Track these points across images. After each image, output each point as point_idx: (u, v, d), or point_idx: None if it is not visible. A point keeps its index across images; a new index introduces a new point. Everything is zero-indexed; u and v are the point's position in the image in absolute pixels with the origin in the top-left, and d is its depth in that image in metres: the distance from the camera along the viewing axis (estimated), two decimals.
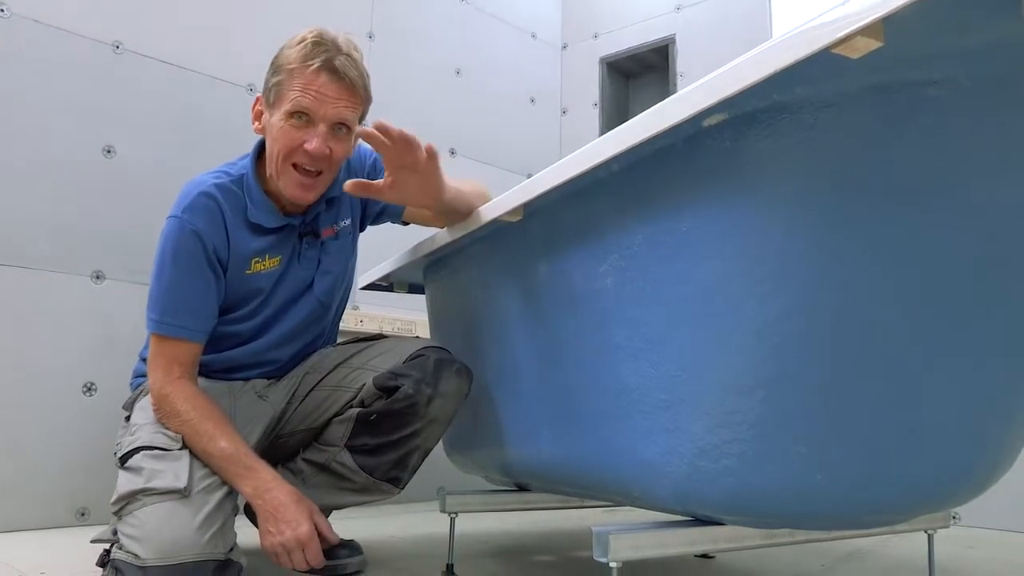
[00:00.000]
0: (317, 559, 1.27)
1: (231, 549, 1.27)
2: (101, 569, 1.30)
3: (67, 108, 2.05)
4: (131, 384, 1.53)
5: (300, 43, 1.36)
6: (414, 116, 2.85)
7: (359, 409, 1.41)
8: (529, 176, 1.21)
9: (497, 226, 1.32)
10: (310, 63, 1.34)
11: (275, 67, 1.39)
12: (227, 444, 1.29)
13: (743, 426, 0.94)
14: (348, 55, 1.37)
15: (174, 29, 2.28)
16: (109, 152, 2.12)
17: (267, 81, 1.40)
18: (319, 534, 1.29)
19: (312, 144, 1.35)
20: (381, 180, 1.34)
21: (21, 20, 2.00)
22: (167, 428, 1.33)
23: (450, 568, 1.50)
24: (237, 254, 1.41)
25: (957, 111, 0.86)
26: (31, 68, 2.01)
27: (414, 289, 1.95)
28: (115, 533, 1.27)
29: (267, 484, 1.28)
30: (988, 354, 0.96)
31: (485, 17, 3.24)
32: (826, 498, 0.96)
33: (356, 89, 1.38)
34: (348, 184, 1.34)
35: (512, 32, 3.36)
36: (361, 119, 1.46)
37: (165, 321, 1.34)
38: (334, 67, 1.35)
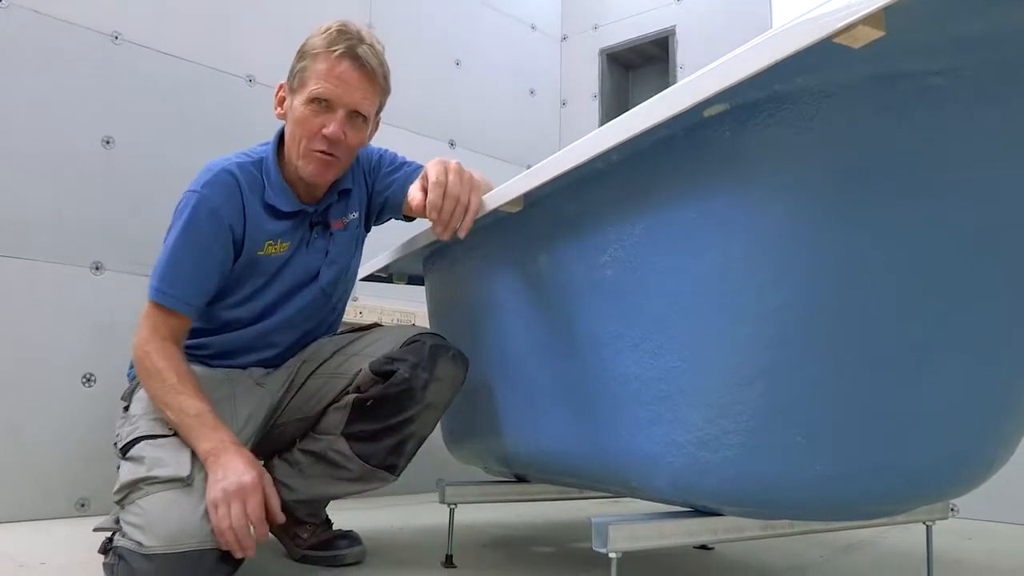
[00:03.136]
0: (257, 513, 1.19)
1: None
2: (103, 556, 1.31)
3: (66, 99, 2.05)
4: (128, 375, 1.53)
5: (325, 31, 1.41)
6: (413, 107, 2.85)
7: (355, 395, 1.41)
8: (528, 168, 1.20)
9: (497, 217, 1.32)
10: (334, 49, 1.38)
11: (300, 53, 1.43)
12: (201, 404, 1.28)
13: (743, 417, 0.94)
14: (371, 45, 1.43)
15: (173, 20, 2.27)
16: (108, 143, 2.11)
17: (292, 67, 1.45)
18: (267, 509, 1.22)
19: (330, 129, 1.39)
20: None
21: (20, 10, 1.99)
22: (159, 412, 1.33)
23: (449, 559, 1.50)
24: (253, 232, 1.43)
25: (959, 100, 0.86)
26: (30, 59, 2.00)
27: (414, 280, 1.95)
28: (117, 522, 1.28)
29: (226, 445, 1.24)
30: (988, 345, 0.96)
31: (485, 8, 3.23)
32: (825, 489, 0.96)
33: (376, 78, 1.43)
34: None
35: (512, 23, 3.35)
36: (379, 111, 1.50)
37: (162, 289, 1.36)
38: (356, 54, 1.39)
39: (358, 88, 1.41)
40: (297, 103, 1.41)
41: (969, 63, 0.84)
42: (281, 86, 1.48)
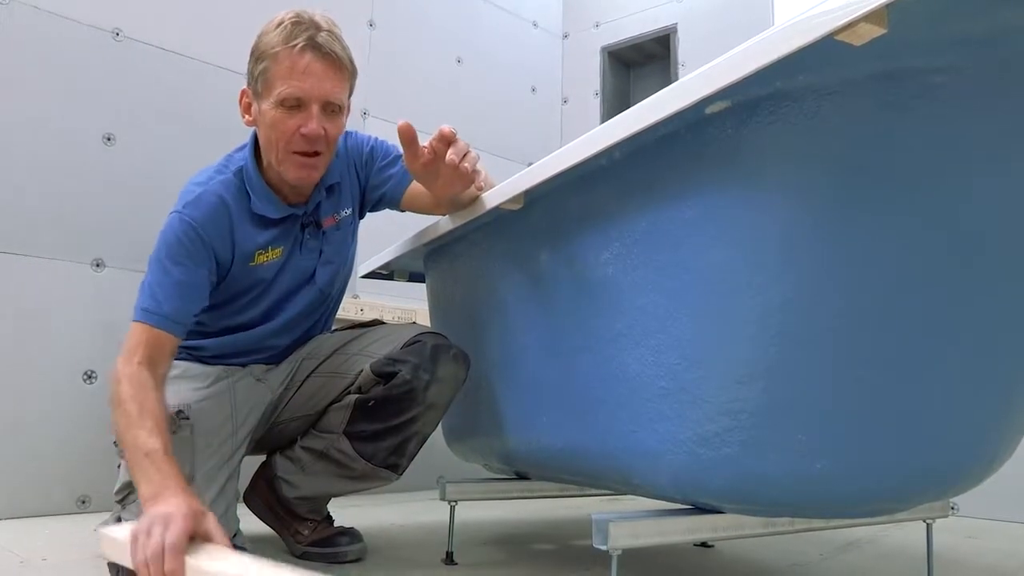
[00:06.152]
0: (174, 540, 0.93)
1: (235, 535, 1.27)
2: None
3: (67, 96, 2.05)
4: None
5: (279, 26, 1.33)
6: (415, 105, 2.85)
7: (357, 395, 1.41)
8: (529, 165, 1.20)
9: (498, 214, 1.32)
10: (293, 43, 1.31)
11: (257, 55, 1.36)
12: (154, 441, 1.12)
13: (744, 414, 0.94)
14: (329, 31, 1.35)
15: (174, 16, 2.27)
16: (109, 140, 2.11)
17: (251, 71, 1.37)
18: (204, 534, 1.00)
19: (307, 127, 1.33)
20: (425, 145, 1.31)
21: (21, 6, 1.99)
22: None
23: (450, 556, 1.50)
24: (242, 249, 1.39)
25: (961, 98, 0.86)
26: (31, 55, 2.00)
27: (414, 277, 1.95)
28: (119, 520, 1.28)
29: (170, 488, 1.05)
30: (988, 343, 0.96)
31: (486, 6, 3.23)
32: (826, 486, 0.96)
33: (343, 64, 1.36)
34: (403, 124, 1.28)
35: (513, 21, 3.35)
36: (350, 94, 1.44)
37: (148, 309, 1.30)
38: (318, 44, 1.32)
39: (327, 79, 1.33)
40: (266, 107, 1.34)
41: (971, 61, 0.84)
42: (244, 92, 1.41)
